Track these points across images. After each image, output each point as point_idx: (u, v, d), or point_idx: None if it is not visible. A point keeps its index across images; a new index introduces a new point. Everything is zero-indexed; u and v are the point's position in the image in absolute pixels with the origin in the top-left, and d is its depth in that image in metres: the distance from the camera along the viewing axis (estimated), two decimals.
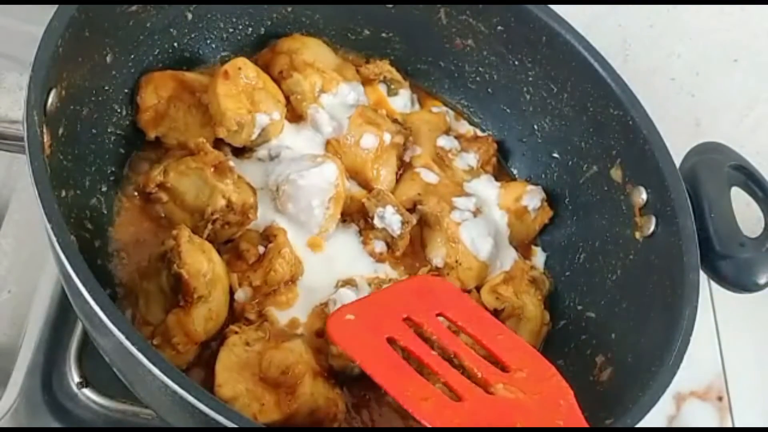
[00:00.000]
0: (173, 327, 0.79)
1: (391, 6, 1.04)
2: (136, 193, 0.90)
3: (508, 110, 1.07)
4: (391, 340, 0.76)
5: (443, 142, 1.04)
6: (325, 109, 0.99)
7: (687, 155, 0.95)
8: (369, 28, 1.06)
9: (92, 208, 0.86)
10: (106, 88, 0.89)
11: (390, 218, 0.93)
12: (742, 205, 0.92)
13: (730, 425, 1.14)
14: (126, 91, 0.92)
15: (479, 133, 1.08)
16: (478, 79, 1.07)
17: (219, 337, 0.82)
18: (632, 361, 0.85)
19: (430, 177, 1.00)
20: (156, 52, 0.95)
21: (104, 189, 0.89)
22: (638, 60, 1.19)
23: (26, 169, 0.68)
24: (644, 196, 0.91)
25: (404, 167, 1.02)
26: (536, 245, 1.04)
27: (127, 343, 0.63)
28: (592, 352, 0.91)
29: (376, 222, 0.93)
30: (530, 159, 1.07)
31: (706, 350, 1.18)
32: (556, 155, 1.03)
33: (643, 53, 1.21)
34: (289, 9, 1.03)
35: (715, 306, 1.20)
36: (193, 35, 0.99)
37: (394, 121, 1.02)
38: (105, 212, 0.88)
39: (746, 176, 0.93)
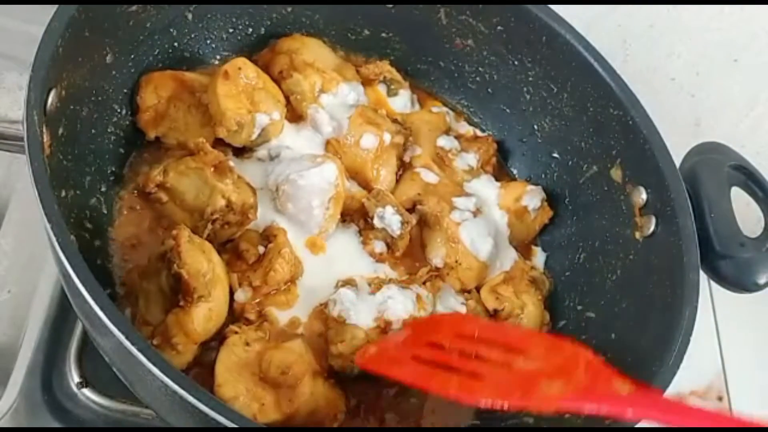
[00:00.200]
0: (173, 327, 0.79)
1: (391, 6, 1.04)
2: (136, 193, 0.90)
3: (508, 110, 1.07)
4: (415, 357, 0.81)
5: (443, 142, 1.04)
6: (325, 109, 0.99)
7: (687, 155, 0.95)
8: (369, 28, 1.06)
9: (92, 208, 0.86)
10: (106, 88, 0.89)
11: (390, 218, 0.93)
12: (742, 205, 0.92)
13: None
14: (126, 91, 0.92)
15: (479, 133, 1.08)
16: (478, 79, 1.07)
17: (219, 337, 0.82)
18: (632, 361, 0.85)
19: (429, 177, 1.00)
20: (156, 52, 0.95)
21: (104, 189, 0.89)
22: (638, 60, 1.19)
23: (26, 169, 0.68)
24: (644, 196, 0.91)
25: (404, 167, 1.02)
26: (536, 245, 1.04)
27: (127, 343, 0.63)
28: (592, 352, 0.90)
29: (376, 222, 0.93)
30: (530, 159, 1.07)
31: (706, 350, 1.18)
32: (556, 155, 1.03)
33: (643, 53, 1.21)
34: (289, 9, 1.03)
35: (715, 306, 1.20)
36: (193, 35, 0.99)
37: (394, 121, 1.02)
38: (105, 212, 0.88)
39: (746, 176, 0.93)
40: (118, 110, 0.92)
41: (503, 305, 0.94)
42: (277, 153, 0.95)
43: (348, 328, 0.85)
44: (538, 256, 1.03)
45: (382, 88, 1.06)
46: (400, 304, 0.87)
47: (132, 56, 0.92)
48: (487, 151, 1.05)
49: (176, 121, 0.93)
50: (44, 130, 0.73)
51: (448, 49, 1.06)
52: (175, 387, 0.63)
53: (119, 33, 0.88)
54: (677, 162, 0.92)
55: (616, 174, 0.95)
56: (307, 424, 0.80)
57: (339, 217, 0.93)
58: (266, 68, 1.00)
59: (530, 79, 1.03)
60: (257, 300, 0.86)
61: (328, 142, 0.99)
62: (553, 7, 0.97)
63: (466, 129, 1.08)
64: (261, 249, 0.87)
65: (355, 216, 0.95)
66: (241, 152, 0.95)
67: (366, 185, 0.98)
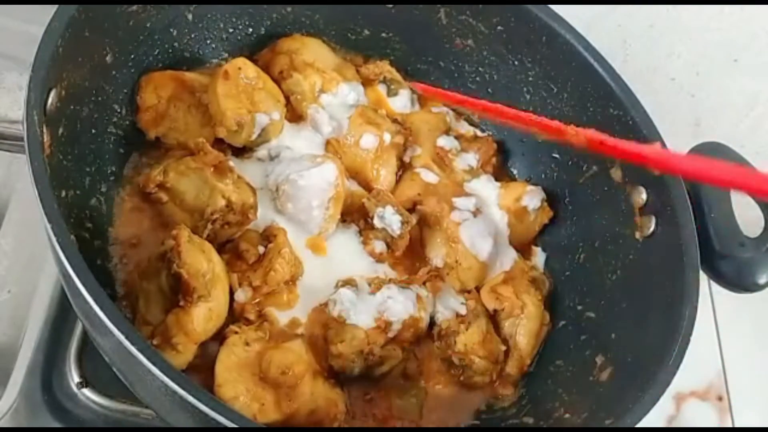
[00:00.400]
0: (173, 327, 0.79)
1: (391, 6, 1.04)
2: (136, 194, 0.90)
3: None
4: None
5: (443, 142, 1.04)
6: (325, 109, 1.00)
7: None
8: (369, 28, 1.06)
9: (92, 208, 0.86)
10: (106, 88, 0.89)
11: (390, 218, 0.93)
12: (742, 205, 0.92)
13: (730, 425, 1.14)
14: (126, 91, 0.92)
15: (479, 133, 1.08)
16: (478, 79, 1.07)
17: (219, 338, 0.82)
18: (632, 361, 0.85)
19: (429, 177, 1.00)
20: (156, 52, 0.95)
21: (104, 189, 0.89)
22: (638, 60, 1.19)
23: (26, 169, 0.68)
24: (644, 196, 0.91)
25: (404, 167, 1.02)
26: (536, 245, 1.04)
27: (127, 343, 0.63)
28: (592, 352, 0.91)
29: (376, 222, 0.93)
30: (530, 159, 1.07)
31: (706, 350, 1.18)
32: (556, 155, 1.03)
33: (643, 53, 1.20)
34: (289, 9, 1.03)
35: (715, 306, 1.20)
36: (193, 35, 0.99)
37: (394, 121, 1.02)
38: (105, 212, 0.88)
39: None
40: (118, 110, 0.92)
41: (503, 305, 0.94)
42: (277, 153, 0.95)
43: (348, 328, 0.85)
44: (538, 256, 1.03)
45: (382, 88, 1.06)
46: (400, 305, 0.87)
47: (132, 56, 0.92)
48: (487, 151, 1.05)
49: (176, 121, 0.93)
50: (44, 130, 0.73)
51: (448, 49, 1.06)
52: (175, 387, 0.63)
53: (119, 33, 0.88)
54: None
55: (616, 174, 0.95)
56: (307, 424, 0.80)
57: (339, 217, 0.93)
58: (266, 68, 1.00)
59: (530, 79, 1.03)
60: (257, 300, 0.86)
61: (328, 142, 0.99)
62: (553, 7, 0.97)
63: (466, 129, 1.08)
64: (261, 249, 0.87)
65: (355, 216, 0.95)
66: (241, 152, 0.95)
67: (366, 185, 0.98)
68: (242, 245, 0.87)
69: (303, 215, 0.91)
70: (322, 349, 0.86)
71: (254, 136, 0.94)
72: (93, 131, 0.87)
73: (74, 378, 0.91)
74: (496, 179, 1.04)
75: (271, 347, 0.81)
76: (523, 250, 1.02)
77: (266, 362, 0.79)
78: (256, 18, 1.02)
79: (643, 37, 1.20)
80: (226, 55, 1.02)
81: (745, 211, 0.91)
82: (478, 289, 0.96)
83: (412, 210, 0.96)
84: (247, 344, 0.81)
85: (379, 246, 0.94)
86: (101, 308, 0.64)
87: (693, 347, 0.80)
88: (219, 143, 0.93)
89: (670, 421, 1.13)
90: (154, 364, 0.63)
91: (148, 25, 0.92)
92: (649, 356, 0.81)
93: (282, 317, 0.87)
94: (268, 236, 0.88)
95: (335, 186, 0.91)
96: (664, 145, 0.88)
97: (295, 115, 1.00)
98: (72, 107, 0.81)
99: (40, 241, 0.70)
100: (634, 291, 0.91)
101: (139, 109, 0.92)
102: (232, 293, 0.85)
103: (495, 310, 0.94)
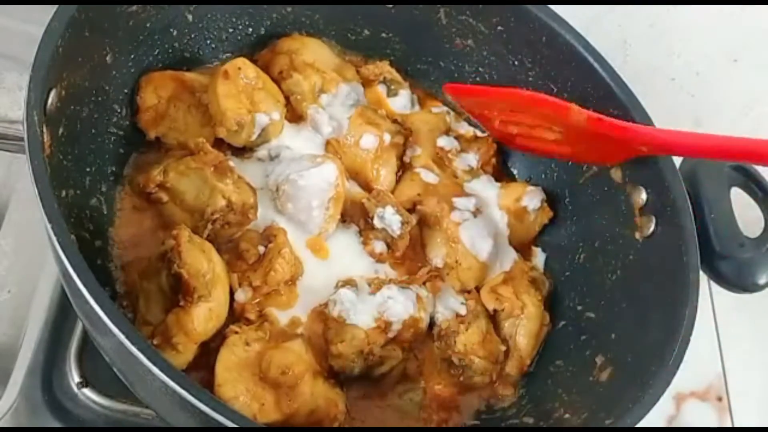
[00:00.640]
0: (173, 327, 0.79)
1: (391, 6, 1.04)
2: (136, 193, 0.90)
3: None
4: None
5: (443, 142, 1.04)
6: (325, 109, 0.99)
7: None
8: (369, 28, 1.06)
9: (92, 208, 0.86)
10: (106, 88, 0.89)
11: (390, 218, 0.93)
12: (742, 206, 0.92)
13: (729, 425, 1.14)
14: (126, 91, 0.92)
15: (479, 133, 1.08)
16: (478, 79, 1.07)
17: (219, 337, 0.82)
18: (632, 361, 0.85)
19: (429, 177, 1.00)
20: (156, 52, 0.95)
21: (104, 189, 0.89)
22: (638, 60, 1.19)
23: (26, 169, 0.68)
24: (644, 196, 0.91)
25: (404, 167, 1.02)
26: (536, 246, 1.04)
27: (127, 343, 0.63)
28: (592, 352, 0.91)
29: (376, 222, 0.93)
30: (530, 159, 1.06)
31: (706, 350, 1.18)
32: None
33: (643, 53, 1.21)
34: (289, 9, 1.03)
35: (715, 306, 1.20)
36: (193, 35, 0.99)
37: (394, 121, 1.02)
38: (105, 212, 0.88)
39: (746, 176, 0.93)
40: (118, 110, 0.92)
41: (503, 305, 0.94)
42: (277, 153, 0.95)
43: (348, 328, 0.85)
44: (538, 257, 1.03)
45: (382, 89, 1.06)
46: (400, 305, 0.88)
47: (132, 56, 0.92)
48: (487, 152, 1.05)
49: (176, 121, 0.93)
50: (44, 130, 0.73)
51: (448, 49, 1.06)
52: (175, 387, 0.63)
53: (119, 33, 0.88)
54: (677, 162, 0.92)
55: (616, 174, 0.94)
56: (307, 424, 0.80)
57: (339, 217, 0.93)
58: (266, 68, 1.00)
59: (530, 79, 1.03)
60: (257, 300, 0.86)
61: (328, 143, 0.99)
62: (553, 7, 0.97)
63: (466, 129, 1.08)
64: (261, 249, 0.87)
65: (356, 216, 0.95)
66: (241, 152, 0.95)
67: (366, 185, 0.98)
68: (242, 245, 0.87)
69: (303, 215, 0.91)
70: (322, 349, 0.86)
71: (254, 137, 0.94)
72: (93, 131, 0.87)
73: (74, 378, 0.91)
74: (496, 179, 1.04)
75: (271, 347, 0.81)
76: (523, 250, 1.02)
77: (266, 362, 0.79)
78: (256, 18, 1.02)
79: (643, 37, 1.20)
80: (226, 55, 1.02)
81: (745, 212, 0.91)
82: (478, 289, 0.96)
83: (412, 210, 0.96)
84: (248, 344, 0.81)
85: (379, 246, 0.94)
86: (101, 308, 0.64)
87: (693, 347, 0.80)
88: (219, 143, 0.93)
89: (670, 421, 1.13)
90: (154, 364, 0.63)
91: (148, 25, 0.92)
92: (649, 356, 0.81)
93: (282, 317, 0.87)
94: (268, 236, 0.88)
95: (335, 186, 0.91)
96: None
97: (295, 115, 1.00)
98: (72, 107, 0.81)
99: (40, 241, 0.70)
100: (634, 291, 0.91)
101: (139, 109, 0.92)
102: (232, 293, 0.85)
103: (495, 311, 0.94)
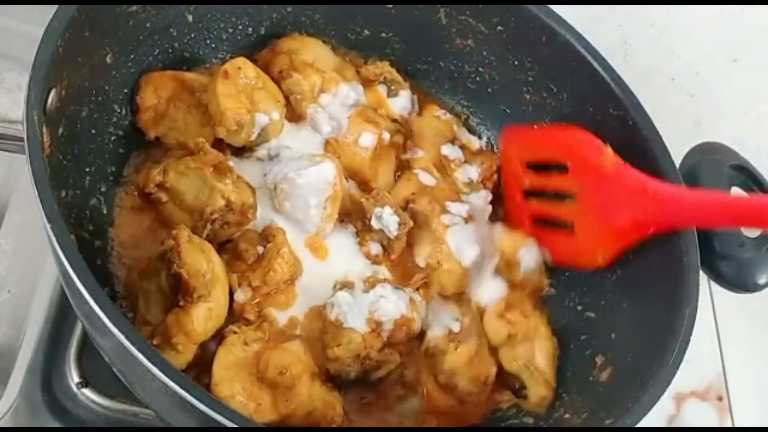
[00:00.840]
0: (173, 327, 0.79)
1: (391, 6, 1.04)
2: (136, 193, 0.90)
3: (508, 110, 1.07)
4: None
5: (447, 150, 1.04)
6: (325, 109, 0.99)
7: (687, 155, 0.95)
8: (369, 28, 1.06)
9: (92, 208, 0.86)
10: (106, 88, 0.89)
11: (387, 219, 0.92)
12: None
13: (730, 425, 1.14)
14: (126, 91, 0.92)
15: (484, 146, 1.07)
16: (478, 79, 1.07)
17: (218, 338, 0.82)
18: (632, 361, 0.85)
19: (427, 179, 1.00)
20: (156, 52, 0.95)
21: (104, 189, 0.89)
22: (638, 60, 1.19)
23: (26, 169, 0.68)
24: None
25: (403, 168, 1.02)
26: None
27: (127, 343, 0.63)
28: (592, 352, 0.91)
29: (374, 223, 0.93)
30: None
31: (706, 350, 1.18)
32: None
33: (643, 53, 1.21)
34: (289, 9, 1.03)
35: (715, 306, 1.20)
36: (192, 35, 0.99)
37: (394, 121, 1.02)
38: (105, 212, 0.88)
39: (746, 176, 0.93)
40: (118, 110, 0.92)
41: (516, 330, 0.91)
42: (277, 153, 0.95)
43: (345, 332, 0.85)
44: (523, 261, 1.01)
45: (382, 89, 1.06)
46: (392, 304, 0.87)
47: (132, 56, 0.92)
48: (489, 167, 1.04)
49: (176, 121, 0.93)
50: (44, 130, 0.73)
51: (448, 49, 1.06)
52: (175, 387, 0.63)
53: (119, 33, 0.88)
54: (677, 162, 0.92)
55: None
56: (304, 425, 0.80)
57: (336, 216, 0.93)
58: (266, 68, 1.00)
59: (530, 79, 1.03)
60: (256, 300, 0.86)
61: (327, 142, 0.99)
62: (553, 7, 0.97)
63: (470, 140, 1.08)
64: (260, 249, 0.87)
65: (354, 217, 0.95)
66: (240, 152, 0.95)
67: (365, 184, 0.98)
68: (241, 245, 0.87)
69: (300, 214, 0.90)
70: (319, 351, 0.85)
71: (254, 136, 0.94)
72: (93, 131, 0.87)
73: (74, 378, 0.91)
74: (495, 198, 1.03)
75: (269, 347, 0.81)
76: None
77: (264, 362, 0.79)
78: (256, 18, 1.02)
79: (643, 37, 1.20)
80: (226, 55, 1.02)
81: None
82: (460, 296, 0.95)
83: (404, 208, 0.96)
84: (246, 344, 0.81)
85: (375, 248, 0.94)
86: (101, 308, 0.64)
87: (693, 347, 0.80)
88: (219, 143, 0.93)
89: (670, 421, 1.13)
90: (154, 364, 0.63)
91: (148, 25, 0.92)
92: (649, 356, 0.81)
93: (281, 317, 0.87)
94: (266, 236, 0.88)
95: (333, 185, 0.91)
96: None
97: (294, 115, 0.99)
98: (72, 107, 0.81)
99: (40, 241, 0.70)
100: (634, 291, 0.91)
101: (138, 109, 0.92)
102: (231, 293, 0.85)
103: (509, 335, 0.91)
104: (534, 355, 0.90)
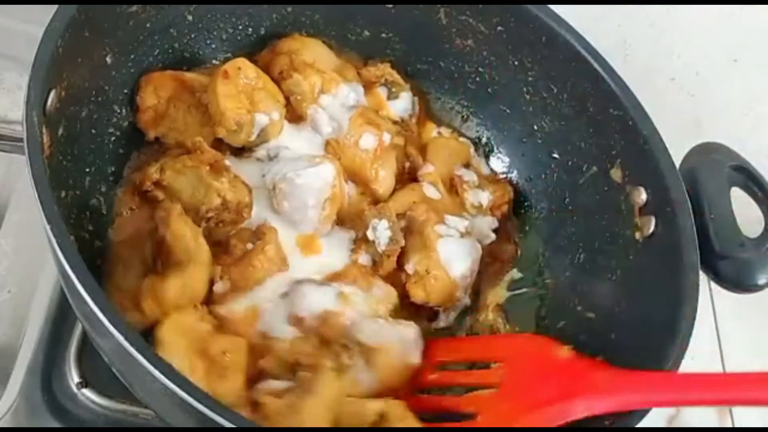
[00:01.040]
0: (146, 291, 0.78)
1: (391, 6, 1.04)
2: (135, 193, 0.90)
3: (508, 110, 1.07)
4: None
5: (462, 172, 1.04)
6: (325, 110, 0.99)
7: (687, 155, 0.95)
8: (369, 28, 1.06)
9: (92, 208, 0.86)
10: (106, 88, 0.89)
11: (380, 232, 0.92)
12: (742, 206, 0.92)
13: (730, 425, 1.14)
14: (126, 91, 0.92)
15: (499, 175, 1.08)
16: (478, 79, 1.07)
17: None
18: (632, 362, 0.85)
19: (431, 191, 1.00)
20: (156, 53, 0.95)
21: (104, 189, 0.89)
22: (638, 60, 1.19)
23: (26, 169, 0.68)
24: (644, 196, 0.91)
25: (410, 180, 1.02)
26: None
27: (126, 344, 0.63)
28: (592, 352, 0.90)
29: (368, 233, 0.93)
30: (530, 159, 1.07)
31: (706, 350, 1.18)
32: (555, 155, 1.03)
33: (643, 53, 1.21)
34: (289, 9, 1.03)
35: (715, 306, 1.20)
36: (192, 35, 0.99)
37: (395, 123, 1.02)
38: (105, 212, 0.88)
39: (746, 176, 0.93)
40: (118, 110, 0.92)
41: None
42: (276, 153, 0.95)
43: (271, 342, 0.84)
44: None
45: (382, 91, 1.06)
46: (314, 299, 0.86)
47: (132, 56, 0.92)
48: (501, 196, 1.05)
49: (176, 121, 0.93)
50: (44, 130, 0.73)
51: (448, 49, 1.06)
52: (174, 387, 0.63)
53: (119, 33, 0.88)
54: (677, 162, 0.92)
55: (616, 174, 0.94)
56: None
57: (335, 217, 0.93)
58: (266, 68, 0.99)
59: (530, 79, 1.03)
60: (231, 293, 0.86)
61: (327, 143, 0.99)
62: (553, 7, 0.97)
63: (487, 170, 1.08)
64: (250, 246, 0.87)
65: (357, 224, 0.95)
66: (240, 152, 0.95)
67: (365, 186, 0.98)
68: (232, 241, 0.87)
69: (298, 214, 0.90)
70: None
71: (253, 137, 0.94)
72: (93, 131, 0.87)
73: (74, 378, 0.91)
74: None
75: (220, 333, 0.81)
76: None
77: (212, 340, 0.79)
78: (256, 18, 1.02)
79: (643, 37, 1.20)
80: (226, 55, 1.02)
81: (745, 211, 0.91)
82: (439, 310, 0.96)
83: (403, 216, 0.96)
84: (202, 320, 0.80)
85: (365, 259, 0.93)
86: (101, 309, 0.64)
87: (693, 347, 0.80)
88: (218, 143, 0.93)
89: (670, 421, 1.13)
90: (153, 364, 0.63)
91: (148, 25, 0.92)
92: (649, 356, 0.81)
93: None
94: (258, 234, 0.88)
95: (332, 187, 0.91)
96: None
97: (295, 116, 0.99)
98: (72, 107, 0.81)
99: (40, 241, 0.70)
100: (634, 291, 0.91)
101: (138, 109, 0.92)
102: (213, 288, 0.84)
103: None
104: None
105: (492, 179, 1.07)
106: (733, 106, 1.25)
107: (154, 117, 0.93)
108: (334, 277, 0.91)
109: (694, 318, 0.81)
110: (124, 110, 0.92)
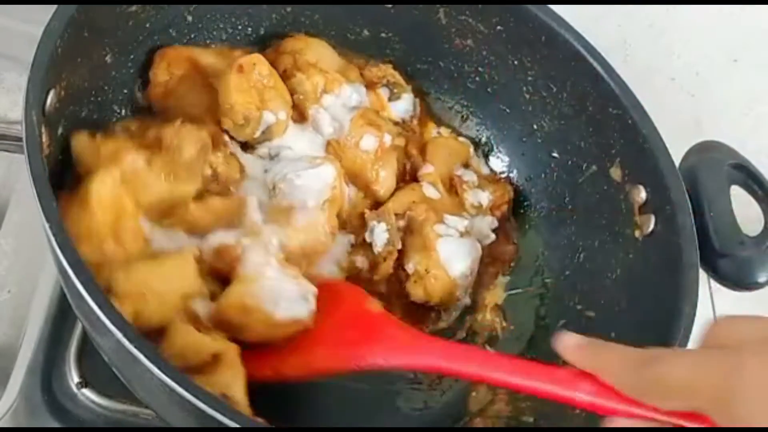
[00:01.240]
0: None
1: (390, 6, 1.04)
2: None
3: (508, 110, 1.07)
4: None
5: (462, 172, 1.04)
6: (327, 110, 0.99)
7: (686, 154, 0.95)
8: (368, 28, 1.06)
9: None
10: (106, 88, 0.89)
11: (378, 234, 0.92)
12: (742, 204, 0.92)
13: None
14: (126, 91, 0.92)
15: (499, 174, 1.08)
16: (477, 79, 1.07)
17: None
18: None
19: (430, 191, 1.00)
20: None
21: None
22: (638, 60, 1.19)
23: (25, 169, 0.68)
24: (643, 195, 0.91)
25: (410, 180, 1.02)
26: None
27: (126, 343, 0.63)
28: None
29: (366, 235, 0.93)
30: (530, 159, 1.07)
31: None
32: (555, 155, 1.03)
33: (643, 53, 1.21)
34: (289, 9, 1.03)
35: (715, 305, 1.20)
36: (192, 36, 0.99)
37: (396, 124, 1.02)
38: None
39: (746, 174, 0.93)
40: (118, 111, 0.92)
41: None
42: (277, 152, 0.95)
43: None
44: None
45: (384, 92, 1.06)
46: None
47: (132, 56, 0.92)
48: (501, 196, 1.04)
49: (184, 99, 0.93)
50: (43, 130, 0.73)
51: (447, 49, 1.06)
52: (174, 386, 0.63)
53: (119, 33, 0.88)
54: (677, 161, 0.92)
55: (616, 173, 0.94)
56: None
57: (335, 223, 0.92)
58: None
59: (530, 79, 1.03)
60: None
61: (328, 143, 0.99)
62: (553, 7, 0.97)
63: (485, 168, 1.08)
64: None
65: (356, 229, 0.95)
66: (242, 147, 0.95)
67: (366, 187, 0.98)
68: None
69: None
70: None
71: (258, 133, 0.94)
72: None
73: (74, 378, 0.91)
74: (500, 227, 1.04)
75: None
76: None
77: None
78: (255, 18, 1.02)
79: (643, 37, 1.20)
80: None
81: (745, 210, 0.91)
82: (440, 308, 0.96)
83: (402, 216, 0.96)
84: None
85: (361, 262, 0.94)
86: (100, 308, 0.64)
87: (693, 346, 0.80)
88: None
89: None
90: (152, 362, 0.63)
91: (147, 25, 0.92)
92: None
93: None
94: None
95: (332, 188, 0.91)
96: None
97: (297, 116, 0.99)
98: (71, 107, 0.81)
99: (40, 241, 0.70)
100: (633, 290, 0.91)
101: (149, 83, 0.92)
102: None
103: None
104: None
105: (492, 179, 1.07)
106: (733, 106, 1.25)
107: (164, 92, 0.93)
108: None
109: (694, 316, 0.81)
110: (123, 110, 0.92)
